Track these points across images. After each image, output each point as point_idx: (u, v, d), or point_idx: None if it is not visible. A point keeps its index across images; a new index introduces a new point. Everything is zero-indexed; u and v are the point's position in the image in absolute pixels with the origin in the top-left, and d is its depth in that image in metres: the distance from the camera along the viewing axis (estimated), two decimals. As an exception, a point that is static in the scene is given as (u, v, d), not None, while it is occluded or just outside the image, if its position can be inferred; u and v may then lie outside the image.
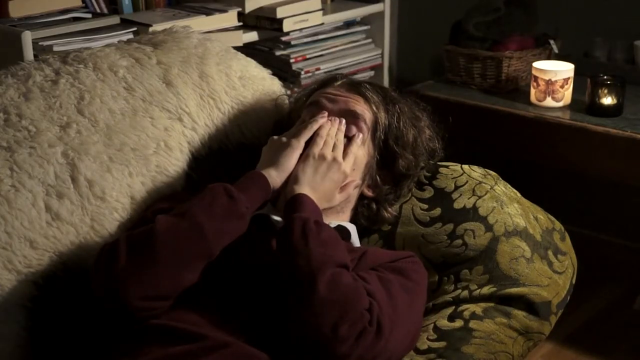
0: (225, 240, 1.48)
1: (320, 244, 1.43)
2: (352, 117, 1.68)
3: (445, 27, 2.94)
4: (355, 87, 1.74)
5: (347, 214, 1.71)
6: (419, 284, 1.56)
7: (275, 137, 1.66)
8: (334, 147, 1.62)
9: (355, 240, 1.68)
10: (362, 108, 1.70)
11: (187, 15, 2.55)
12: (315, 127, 1.63)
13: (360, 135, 1.67)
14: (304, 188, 1.55)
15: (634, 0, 2.86)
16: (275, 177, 1.58)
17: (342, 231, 1.64)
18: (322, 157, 1.60)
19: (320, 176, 1.59)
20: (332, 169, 1.60)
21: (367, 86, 1.75)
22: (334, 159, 1.60)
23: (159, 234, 1.43)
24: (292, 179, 1.57)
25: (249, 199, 1.52)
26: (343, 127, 1.65)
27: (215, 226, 1.46)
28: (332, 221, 1.65)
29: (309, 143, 1.62)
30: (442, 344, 1.54)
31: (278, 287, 1.46)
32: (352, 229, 1.68)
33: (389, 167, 1.72)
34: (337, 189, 1.62)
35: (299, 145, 1.61)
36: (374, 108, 1.71)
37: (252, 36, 2.70)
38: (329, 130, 1.63)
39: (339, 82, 1.76)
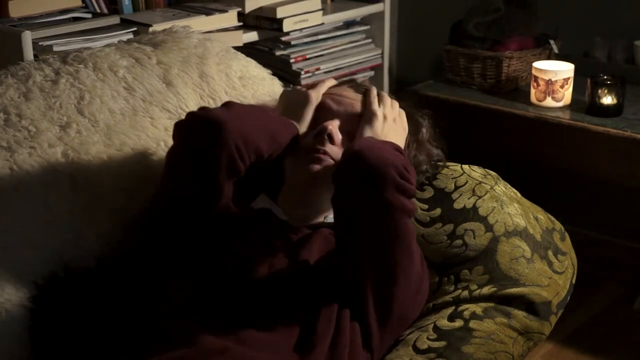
0: (282, 128, 1.61)
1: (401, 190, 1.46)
2: (357, 118, 1.68)
3: (445, 27, 2.94)
4: (361, 89, 1.74)
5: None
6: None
7: (289, 89, 1.76)
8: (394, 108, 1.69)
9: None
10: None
11: (187, 15, 2.56)
12: (328, 83, 1.73)
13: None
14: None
15: (634, 0, 2.86)
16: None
17: None
18: (384, 118, 1.65)
19: (383, 134, 1.63)
20: (394, 129, 1.66)
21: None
22: (394, 119, 1.66)
23: (235, 105, 1.59)
24: (358, 136, 1.62)
25: (282, 131, 1.62)
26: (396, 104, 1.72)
27: (274, 115, 1.64)
28: (330, 215, 1.66)
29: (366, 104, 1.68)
30: (442, 343, 1.54)
31: (279, 283, 1.46)
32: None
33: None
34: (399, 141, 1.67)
35: (316, 97, 1.70)
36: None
37: (252, 36, 2.70)
38: (385, 98, 1.69)
39: (344, 85, 1.76)
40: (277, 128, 1.61)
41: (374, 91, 1.70)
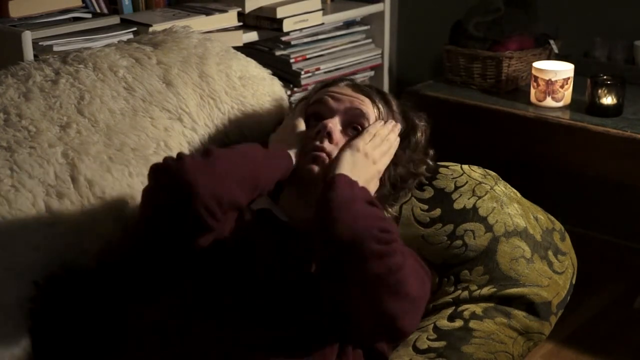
0: (263, 182, 1.56)
1: (362, 218, 1.43)
2: (356, 116, 1.68)
3: (445, 27, 2.94)
4: (360, 88, 1.74)
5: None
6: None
7: (283, 123, 1.72)
8: (377, 145, 1.65)
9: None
10: (366, 108, 1.70)
11: (187, 15, 2.56)
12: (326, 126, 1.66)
13: (399, 126, 1.71)
14: (346, 172, 1.57)
15: (634, 0, 2.86)
16: (293, 156, 1.64)
17: None
18: (365, 154, 1.61)
19: (358, 168, 1.60)
20: (369, 166, 1.62)
21: (371, 89, 1.75)
22: (374, 161, 1.63)
23: (217, 153, 1.52)
24: (336, 162, 1.59)
25: (277, 165, 1.60)
26: (397, 130, 1.69)
27: (260, 162, 1.57)
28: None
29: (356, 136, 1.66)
30: (442, 343, 1.54)
31: (279, 283, 1.46)
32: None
33: (386, 173, 1.72)
34: (370, 184, 1.64)
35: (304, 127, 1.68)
36: (378, 110, 1.71)
37: (252, 36, 2.70)
38: (380, 129, 1.66)
39: (343, 83, 1.76)
40: (262, 172, 1.56)
41: (372, 128, 1.66)
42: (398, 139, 1.69)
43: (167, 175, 1.48)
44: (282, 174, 1.61)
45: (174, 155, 1.71)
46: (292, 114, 1.74)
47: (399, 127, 1.70)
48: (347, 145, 1.62)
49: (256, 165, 1.56)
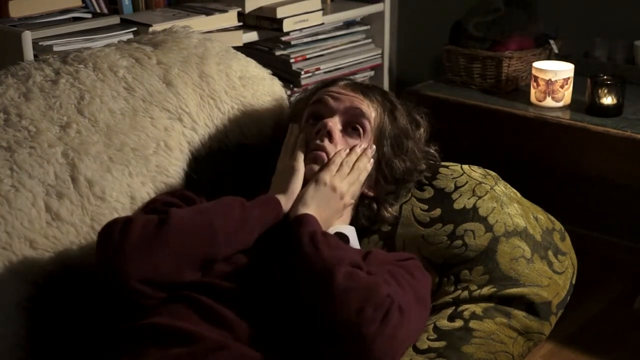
0: (231, 248, 1.51)
1: (331, 249, 1.45)
2: (356, 115, 1.68)
3: (445, 27, 2.94)
4: (359, 87, 1.74)
5: (348, 213, 1.71)
6: (421, 280, 1.56)
7: (282, 161, 1.67)
8: (344, 176, 1.62)
9: (354, 244, 1.67)
10: (366, 107, 1.70)
11: (187, 15, 2.56)
12: (320, 152, 1.64)
13: (373, 148, 1.68)
14: (310, 210, 1.56)
15: (634, 0, 2.86)
16: (285, 201, 1.60)
17: (341, 237, 1.64)
18: (332, 188, 1.61)
19: (324, 203, 1.60)
20: (335, 200, 1.61)
21: (370, 88, 1.75)
22: (341, 194, 1.62)
23: (174, 224, 1.46)
24: (300, 199, 1.59)
25: (261, 218, 1.55)
26: (370, 152, 1.66)
27: (227, 232, 1.50)
28: (333, 222, 1.66)
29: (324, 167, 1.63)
30: (442, 343, 1.54)
31: (278, 287, 1.46)
32: (351, 233, 1.68)
33: (387, 168, 1.72)
34: (335, 216, 1.64)
35: (302, 168, 1.63)
36: (377, 109, 1.71)
37: (252, 36, 2.70)
38: (346, 158, 1.64)
39: (342, 83, 1.76)
40: (236, 235, 1.52)
41: (337, 157, 1.63)
42: (371, 161, 1.67)
43: (103, 251, 1.46)
44: (269, 224, 1.57)
45: (174, 154, 1.71)
46: (288, 152, 1.68)
47: (372, 149, 1.67)
48: (313, 179, 1.61)
49: (225, 229, 1.50)
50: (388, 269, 1.51)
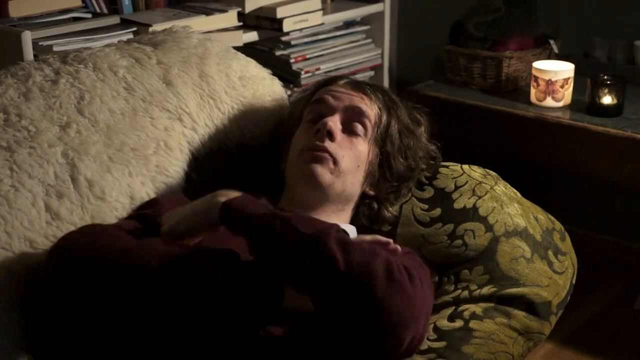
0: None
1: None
2: (356, 115, 1.68)
3: (445, 27, 2.94)
4: (359, 86, 1.74)
5: (349, 212, 1.72)
6: (417, 268, 1.53)
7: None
8: None
9: (354, 242, 1.67)
10: (366, 106, 1.70)
11: (187, 15, 2.56)
12: None
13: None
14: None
15: (634, 0, 2.86)
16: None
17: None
18: None
19: None
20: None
21: (371, 86, 1.75)
22: None
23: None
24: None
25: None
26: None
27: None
28: (332, 222, 1.65)
29: None
30: (442, 344, 1.54)
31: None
32: (352, 231, 1.68)
33: (388, 167, 1.72)
34: None
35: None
36: (377, 108, 1.71)
37: (252, 36, 2.70)
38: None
39: (342, 82, 1.76)
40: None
41: None
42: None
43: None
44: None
45: (174, 154, 1.72)
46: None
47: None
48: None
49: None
50: None
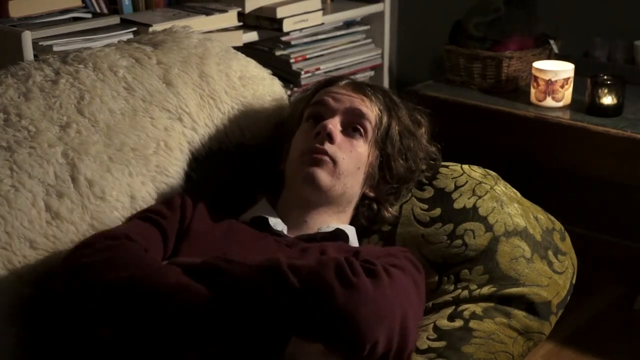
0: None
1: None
2: (356, 116, 1.68)
3: (445, 27, 2.94)
4: (360, 87, 1.74)
5: (349, 213, 1.72)
6: (406, 268, 1.51)
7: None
8: None
9: (354, 244, 1.67)
10: (366, 108, 1.70)
11: (187, 15, 2.56)
12: None
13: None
14: None
15: (634, 0, 2.86)
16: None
17: (341, 234, 1.64)
18: None
19: None
20: None
21: (371, 88, 1.75)
22: None
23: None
24: None
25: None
26: None
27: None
28: (332, 224, 1.66)
29: None
30: (442, 343, 1.54)
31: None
32: (351, 232, 1.68)
33: (388, 168, 1.72)
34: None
35: None
36: (378, 109, 1.71)
37: (252, 36, 2.70)
38: None
39: (343, 82, 1.76)
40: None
41: None
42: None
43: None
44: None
45: (174, 154, 1.71)
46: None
47: None
48: None
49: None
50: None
